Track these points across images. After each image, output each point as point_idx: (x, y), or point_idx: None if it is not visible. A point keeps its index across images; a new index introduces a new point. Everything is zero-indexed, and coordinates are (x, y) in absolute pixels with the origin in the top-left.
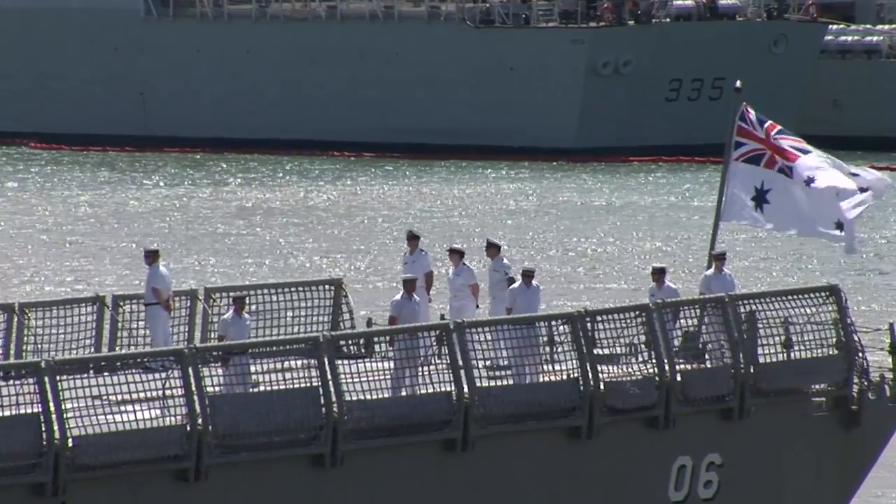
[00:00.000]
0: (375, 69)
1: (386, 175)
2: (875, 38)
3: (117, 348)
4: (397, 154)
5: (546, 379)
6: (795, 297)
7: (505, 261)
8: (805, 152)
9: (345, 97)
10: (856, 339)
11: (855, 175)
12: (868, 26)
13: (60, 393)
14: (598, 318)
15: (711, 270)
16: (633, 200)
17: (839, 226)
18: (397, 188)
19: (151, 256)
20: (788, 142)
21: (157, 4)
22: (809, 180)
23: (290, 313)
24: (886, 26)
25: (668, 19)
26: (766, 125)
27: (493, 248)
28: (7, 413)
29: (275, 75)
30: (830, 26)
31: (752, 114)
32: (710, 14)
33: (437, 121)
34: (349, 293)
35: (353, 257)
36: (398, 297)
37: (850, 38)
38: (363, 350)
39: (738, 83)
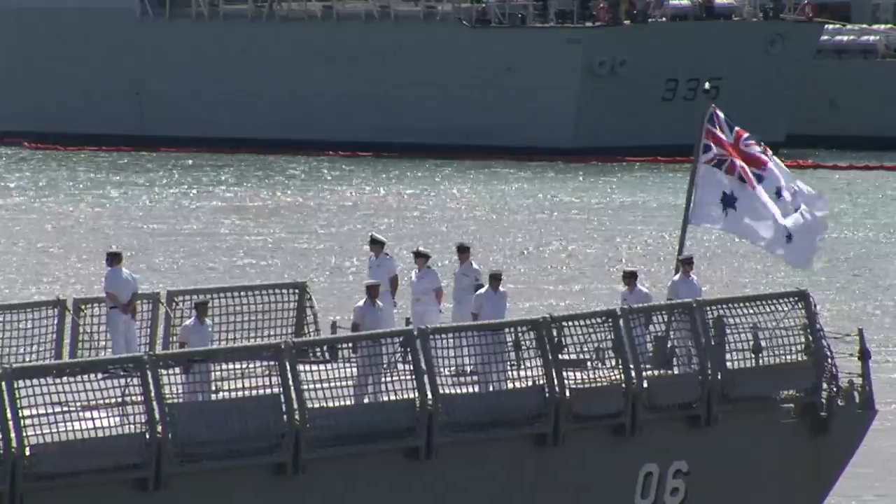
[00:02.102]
0: (372, 69)
1: (382, 175)
2: (871, 38)
3: (79, 353)
4: (393, 154)
5: (511, 386)
6: (764, 302)
7: (475, 265)
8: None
9: (341, 97)
10: (825, 344)
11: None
12: (864, 26)
13: (18, 400)
14: (564, 324)
15: (679, 276)
16: (629, 200)
17: (789, 238)
18: (393, 188)
19: (112, 259)
20: (756, 148)
21: (153, 4)
22: (779, 191)
23: (253, 317)
24: (882, 26)
25: (664, 19)
26: (736, 130)
27: (464, 252)
28: None
29: (271, 75)
30: (826, 26)
31: (721, 116)
32: (706, 14)
33: (434, 121)
34: (313, 296)
35: (341, 258)
36: (361, 302)
37: (846, 38)
38: (327, 355)
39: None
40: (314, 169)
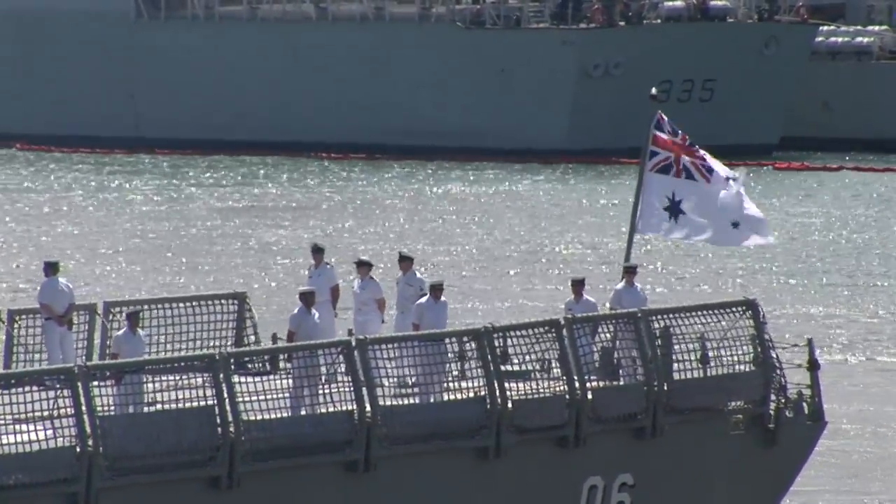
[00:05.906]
0: (366, 71)
1: (376, 177)
2: (865, 40)
3: (13, 365)
4: (387, 155)
5: (452, 397)
6: (711, 311)
7: (418, 275)
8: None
9: (335, 99)
10: (773, 355)
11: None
12: (858, 27)
13: None
14: (507, 334)
15: (622, 284)
16: (625, 201)
17: (735, 224)
18: (388, 189)
19: (48, 269)
20: (700, 152)
21: (147, 6)
22: (728, 178)
23: (193, 328)
24: (877, 27)
25: (658, 21)
26: (680, 134)
27: (406, 262)
28: None
29: (265, 77)
30: (821, 28)
31: (666, 121)
32: (700, 15)
33: (428, 122)
34: (253, 307)
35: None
36: (296, 311)
37: (840, 40)
38: (267, 366)
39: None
40: (308, 171)
